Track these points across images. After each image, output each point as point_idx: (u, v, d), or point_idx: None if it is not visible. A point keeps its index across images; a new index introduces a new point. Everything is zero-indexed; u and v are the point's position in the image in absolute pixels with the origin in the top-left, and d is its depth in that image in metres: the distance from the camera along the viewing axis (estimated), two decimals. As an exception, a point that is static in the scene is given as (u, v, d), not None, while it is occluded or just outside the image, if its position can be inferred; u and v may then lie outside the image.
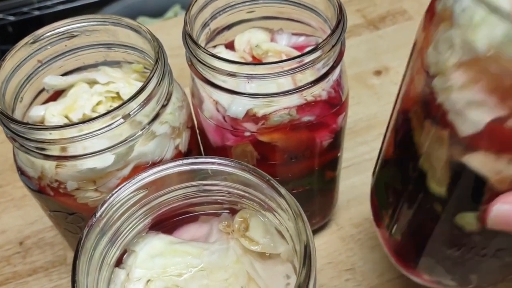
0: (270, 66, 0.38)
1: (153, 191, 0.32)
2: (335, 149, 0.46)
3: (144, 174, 0.31)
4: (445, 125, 0.30)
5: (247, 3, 0.46)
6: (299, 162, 0.44)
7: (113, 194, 0.30)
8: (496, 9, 0.25)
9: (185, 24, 0.40)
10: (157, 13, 1.37)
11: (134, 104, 0.35)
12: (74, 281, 0.26)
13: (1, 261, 0.54)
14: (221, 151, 0.44)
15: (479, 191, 0.31)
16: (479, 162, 0.30)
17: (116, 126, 0.34)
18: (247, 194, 0.33)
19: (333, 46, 0.39)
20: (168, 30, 0.82)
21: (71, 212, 0.40)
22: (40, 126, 0.34)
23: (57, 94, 0.44)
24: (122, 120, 0.34)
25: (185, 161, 0.31)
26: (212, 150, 0.45)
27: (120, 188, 0.30)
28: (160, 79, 0.37)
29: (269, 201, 0.31)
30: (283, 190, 0.29)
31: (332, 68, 0.40)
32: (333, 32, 0.39)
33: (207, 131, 0.44)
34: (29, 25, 1.41)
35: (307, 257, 0.26)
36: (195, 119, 0.46)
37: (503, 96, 0.27)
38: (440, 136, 0.31)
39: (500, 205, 0.28)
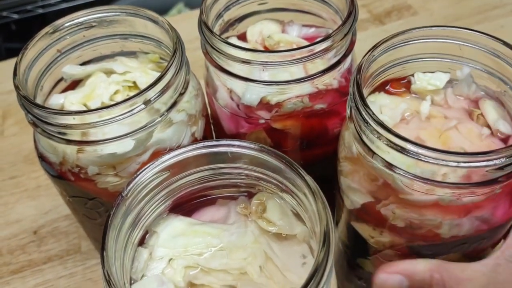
0: (284, 53, 0.39)
1: (174, 173, 0.33)
2: (345, 137, 0.47)
3: (167, 156, 0.32)
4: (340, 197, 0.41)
5: (259, -5, 0.47)
6: (311, 149, 0.45)
7: (138, 175, 0.31)
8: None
9: (201, 13, 0.42)
10: (161, 10, 1.38)
11: (153, 92, 0.36)
12: (103, 256, 0.27)
13: (16, 249, 0.55)
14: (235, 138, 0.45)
15: (365, 246, 0.41)
16: (360, 228, 0.40)
17: (137, 112, 0.35)
18: (265, 177, 0.34)
19: (344, 36, 0.40)
20: (175, 25, 0.83)
21: (91, 197, 0.41)
22: (64, 111, 0.35)
23: (74, 84, 0.45)
24: (143, 106, 0.35)
25: (206, 143, 0.32)
26: (226, 138, 0.46)
27: (144, 169, 0.31)
28: (178, 67, 0.38)
29: (287, 183, 0.32)
30: (303, 172, 0.30)
31: (344, 57, 0.41)
32: (345, 21, 0.40)
33: (222, 119, 0.45)
34: (33, 23, 1.41)
35: (326, 238, 0.27)
36: (209, 108, 0.47)
37: (371, 188, 0.36)
38: (339, 202, 0.42)
39: (380, 274, 0.36)
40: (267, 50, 0.44)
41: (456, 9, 0.77)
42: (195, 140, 0.42)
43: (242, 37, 0.49)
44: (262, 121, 0.42)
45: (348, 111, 0.37)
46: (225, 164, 0.34)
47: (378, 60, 0.37)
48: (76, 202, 0.42)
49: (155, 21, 0.40)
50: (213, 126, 0.48)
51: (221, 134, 0.46)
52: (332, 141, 0.46)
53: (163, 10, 1.39)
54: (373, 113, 0.33)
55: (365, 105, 0.34)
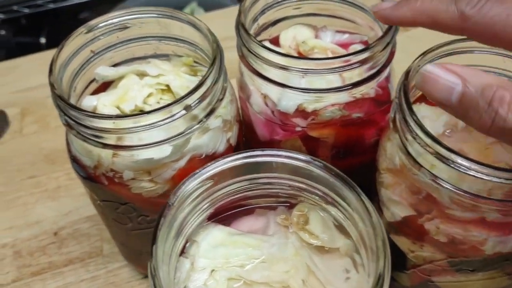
0: (325, 61, 0.38)
1: (217, 182, 0.32)
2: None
3: (212, 165, 0.31)
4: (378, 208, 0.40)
5: (294, 0, 0.47)
6: (345, 158, 0.45)
7: (184, 183, 0.30)
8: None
9: (239, 14, 0.41)
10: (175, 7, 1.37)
11: (192, 99, 0.35)
12: (153, 267, 0.26)
13: (36, 251, 0.55)
14: (268, 145, 0.44)
15: (403, 260, 0.40)
16: (399, 241, 0.39)
17: (178, 118, 0.34)
18: (308, 188, 0.33)
19: (385, 46, 0.39)
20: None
21: (123, 202, 0.40)
22: (104, 115, 0.34)
23: (104, 85, 0.44)
24: (183, 112, 0.35)
25: (251, 153, 0.32)
26: (259, 144, 0.45)
27: (190, 177, 0.30)
28: (218, 74, 0.37)
29: (334, 195, 0.31)
30: (356, 187, 0.29)
31: (384, 67, 0.40)
32: (386, 32, 0.39)
33: (255, 125, 0.44)
34: (44, 18, 1.40)
35: (386, 250, 0.26)
36: (242, 113, 0.46)
37: (413, 200, 0.36)
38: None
39: (431, 67, 0.27)
40: (308, 57, 0.43)
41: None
42: (230, 147, 0.41)
43: (275, 41, 0.48)
44: (299, 129, 0.41)
45: (392, 121, 0.36)
46: (268, 173, 0.33)
47: None
48: (107, 206, 0.41)
49: (194, 25, 0.39)
50: (244, 132, 0.47)
51: (254, 140, 0.46)
52: (367, 150, 0.45)
53: (176, 9, 1.39)
54: (421, 123, 0.33)
55: (413, 114, 0.33)
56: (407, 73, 0.35)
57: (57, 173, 0.61)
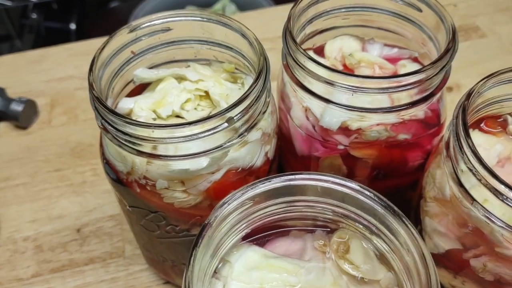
0: (373, 80, 0.36)
1: (257, 202, 0.31)
2: (422, 170, 0.44)
3: (254, 186, 0.30)
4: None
5: (343, 10, 0.45)
6: (385, 179, 0.42)
7: (224, 203, 0.29)
8: None
9: (288, 20, 0.39)
10: (205, 3, 1.36)
11: (234, 113, 0.33)
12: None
13: (57, 246, 0.54)
14: (306, 161, 0.43)
15: None
16: (440, 274, 0.37)
17: (219, 131, 0.33)
18: (353, 215, 0.31)
19: (440, 70, 0.37)
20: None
21: (154, 211, 0.38)
22: (144, 123, 0.33)
23: (141, 87, 0.43)
24: (226, 125, 0.33)
25: (297, 176, 0.30)
26: (295, 158, 0.43)
27: (230, 198, 0.29)
28: (262, 87, 0.35)
29: (381, 226, 0.30)
30: (408, 222, 0.27)
31: (438, 89, 0.38)
32: (443, 55, 0.37)
33: (294, 138, 0.42)
34: (75, 5, 1.40)
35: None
36: (280, 125, 0.44)
37: (460, 234, 0.34)
38: None
39: None
40: (354, 74, 0.41)
41: (526, 34, 0.73)
42: (267, 160, 0.40)
43: (319, 50, 0.46)
44: (341, 147, 0.40)
45: (445, 147, 0.34)
46: (311, 197, 0.31)
47: (484, 94, 0.35)
48: (136, 212, 0.40)
49: (241, 33, 0.38)
50: (280, 144, 0.45)
51: (290, 154, 0.44)
52: (408, 173, 0.43)
53: (207, 4, 1.37)
54: (478, 153, 0.31)
55: (469, 140, 0.31)
56: (469, 95, 0.33)
57: (83, 168, 0.60)
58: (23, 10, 1.36)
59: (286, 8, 0.80)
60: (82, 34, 1.30)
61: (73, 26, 1.36)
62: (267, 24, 0.77)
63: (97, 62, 0.36)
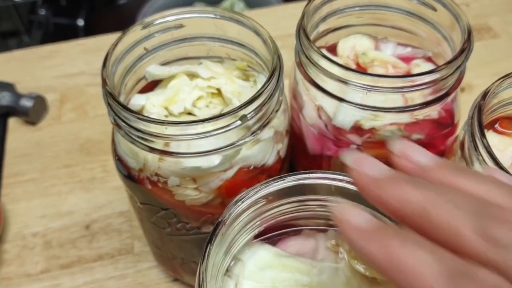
0: (387, 79, 0.36)
1: (270, 201, 0.31)
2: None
3: (268, 184, 0.29)
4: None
5: (357, 8, 0.44)
6: (397, 180, 0.42)
7: (238, 200, 0.28)
8: None
9: (302, 17, 0.39)
10: (214, 0, 1.35)
11: (247, 111, 0.33)
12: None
13: (66, 243, 0.54)
14: (318, 160, 0.42)
15: None
16: None
17: (232, 128, 0.33)
18: (366, 215, 0.31)
19: (455, 70, 0.36)
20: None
21: (165, 208, 0.38)
22: (157, 120, 0.32)
23: (152, 84, 0.42)
24: (239, 122, 0.33)
25: (311, 175, 0.30)
26: (307, 157, 0.43)
27: (244, 195, 0.29)
28: (275, 86, 0.35)
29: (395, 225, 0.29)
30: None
31: (453, 89, 0.38)
32: (457, 56, 0.36)
33: (306, 137, 0.42)
34: (83, 1, 1.40)
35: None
36: (291, 123, 0.44)
37: None
38: None
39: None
40: (368, 73, 0.40)
41: (538, 35, 0.72)
42: (279, 159, 0.39)
43: (331, 49, 0.46)
44: (354, 146, 0.39)
45: (460, 147, 0.34)
46: (324, 196, 0.31)
47: (500, 95, 0.34)
48: (147, 209, 0.40)
49: (254, 30, 0.37)
50: (292, 143, 0.45)
51: (302, 153, 0.44)
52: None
53: (215, 1, 1.37)
54: (495, 155, 0.30)
55: (485, 141, 0.31)
56: (484, 94, 0.33)
57: (92, 164, 0.60)
58: (31, 6, 1.36)
59: (295, 6, 0.80)
60: (90, 31, 1.31)
61: (81, 22, 1.36)
62: (277, 22, 0.77)
63: (110, 58, 0.36)
